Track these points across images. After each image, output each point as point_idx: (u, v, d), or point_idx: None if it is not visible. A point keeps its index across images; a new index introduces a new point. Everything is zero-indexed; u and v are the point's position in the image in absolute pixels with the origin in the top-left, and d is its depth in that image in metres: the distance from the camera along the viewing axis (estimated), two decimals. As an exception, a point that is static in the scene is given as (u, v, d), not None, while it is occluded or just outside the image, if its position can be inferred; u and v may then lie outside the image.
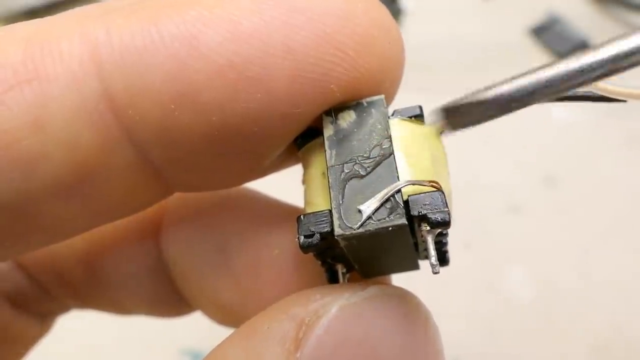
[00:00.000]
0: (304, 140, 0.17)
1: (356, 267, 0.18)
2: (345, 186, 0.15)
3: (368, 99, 0.16)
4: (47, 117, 0.14)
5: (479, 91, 0.13)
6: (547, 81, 0.12)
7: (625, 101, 0.15)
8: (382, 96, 0.16)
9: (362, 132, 0.16)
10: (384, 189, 0.14)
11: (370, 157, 0.15)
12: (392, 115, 0.16)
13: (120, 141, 0.14)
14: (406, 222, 0.14)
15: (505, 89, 0.13)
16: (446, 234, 0.16)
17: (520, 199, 0.48)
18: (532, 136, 0.52)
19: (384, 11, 0.16)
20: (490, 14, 0.63)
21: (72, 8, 0.15)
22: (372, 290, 0.15)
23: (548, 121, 0.53)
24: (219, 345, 0.15)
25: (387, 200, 0.14)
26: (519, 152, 0.51)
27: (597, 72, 0.12)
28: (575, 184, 0.49)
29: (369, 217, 0.14)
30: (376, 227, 0.14)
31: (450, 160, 0.17)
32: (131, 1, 0.15)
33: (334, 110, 0.16)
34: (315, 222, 0.15)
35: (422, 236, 0.15)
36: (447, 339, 0.16)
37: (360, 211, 0.14)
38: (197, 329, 0.35)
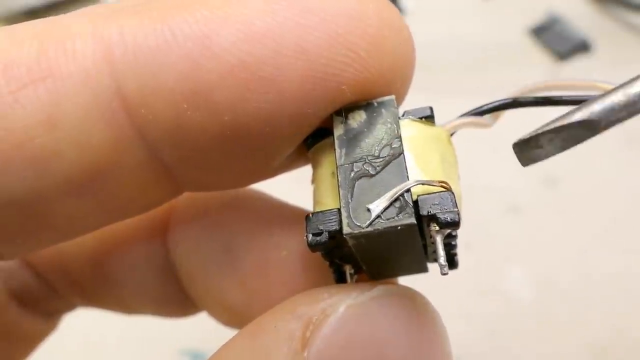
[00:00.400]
0: (313, 141, 0.17)
1: (364, 268, 0.18)
2: (354, 185, 0.15)
3: (379, 99, 0.16)
4: (60, 116, 0.14)
5: (559, 118, 0.13)
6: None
7: None
8: (393, 96, 0.16)
9: (372, 132, 0.16)
10: (394, 188, 0.14)
11: (380, 156, 0.15)
12: (403, 115, 0.16)
13: (133, 140, 0.14)
14: (415, 222, 0.14)
15: (595, 108, 0.12)
16: (455, 236, 0.16)
17: (520, 199, 0.48)
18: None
19: (395, 12, 0.16)
20: (490, 14, 0.63)
21: (73, 8, 0.15)
22: (379, 289, 0.15)
23: (548, 121, 0.53)
24: (225, 344, 0.15)
25: (397, 199, 0.14)
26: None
27: None
28: (575, 184, 0.49)
29: (378, 216, 0.14)
30: (385, 226, 0.14)
31: (451, 160, 0.17)
32: (142, 1, 0.15)
33: (345, 110, 0.16)
34: (324, 221, 0.15)
35: (431, 237, 0.15)
36: (448, 339, 0.16)
37: (369, 210, 0.14)
38: (197, 329, 0.35)
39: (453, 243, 0.17)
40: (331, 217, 0.15)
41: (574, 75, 0.53)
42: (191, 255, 0.22)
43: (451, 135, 0.17)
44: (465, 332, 0.40)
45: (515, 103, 0.16)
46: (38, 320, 0.24)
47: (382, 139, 0.15)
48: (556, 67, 0.57)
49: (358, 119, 0.16)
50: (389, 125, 0.16)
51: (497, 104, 0.16)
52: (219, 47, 0.14)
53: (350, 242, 0.15)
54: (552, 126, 0.12)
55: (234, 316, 0.22)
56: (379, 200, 0.14)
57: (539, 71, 0.57)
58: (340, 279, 0.18)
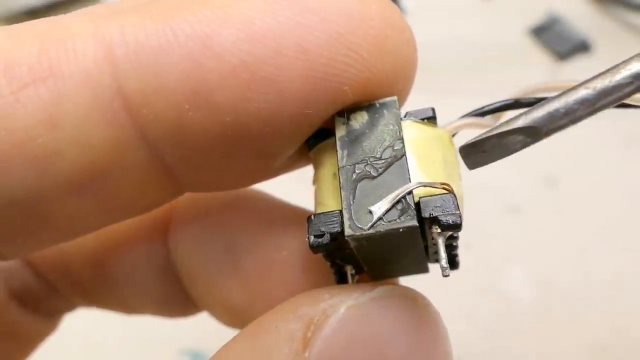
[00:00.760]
0: (315, 141, 0.17)
1: (365, 269, 0.18)
2: (356, 187, 0.15)
3: (381, 100, 0.16)
4: (61, 115, 0.14)
5: (502, 124, 0.13)
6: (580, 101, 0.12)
7: None
8: (395, 97, 0.16)
9: (374, 133, 0.16)
10: (396, 190, 0.14)
11: (382, 158, 0.15)
12: (405, 116, 0.16)
13: (134, 140, 0.14)
14: (417, 224, 0.14)
15: (538, 113, 0.12)
16: (457, 238, 0.16)
17: (520, 199, 0.48)
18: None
19: (397, 12, 0.16)
20: (490, 14, 0.63)
21: (73, 8, 0.15)
22: (380, 290, 0.15)
23: (548, 121, 0.53)
24: (226, 344, 0.15)
25: (399, 201, 0.14)
26: (519, 152, 0.51)
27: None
28: (575, 184, 0.49)
29: (380, 218, 0.14)
30: (387, 228, 0.14)
31: (451, 160, 0.17)
32: (143, 0, 0.15)
33: (347, 111, 0.16)
34: (326, 222, 0.15)
35: (432, 239, 0.15)
36: (448, 339, 0.16)
37: (371, 212, 0.14)
38: (197, 329, 0.35)
39: (454, 244, 0.17)
40: (333, 219, 0.15)
41: (574, 75, 0.53)
42: (192, 255, 0.22)
43: (453, 136, 0.17)
44: (465, 332, 0.40)
45: (516, 104, 0.16)
46: (39, 320, 0.24)
47: (384, 140, 0.15)
48: (556, 67, 0.57)
49: (360, 120, 0.16)
50: (391, 127, 0.15)
51: (498, 105, 0.16)
52: (220, 47, 0.14)
53: (352, 244, 0.15)
54: (495, 132, 0.12)
55: (236, 316, 0.22)
56: (381, 202, 0.14)
57: (539, 71, 0.57)
58: (342, 279, 0.18)
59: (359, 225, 0.14)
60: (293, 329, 0.15)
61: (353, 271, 0.18)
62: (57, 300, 0.24)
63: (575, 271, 0.44)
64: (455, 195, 0.14)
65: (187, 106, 0.14)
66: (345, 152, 0.16)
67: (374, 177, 0.15)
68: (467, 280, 0.43)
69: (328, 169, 0.16)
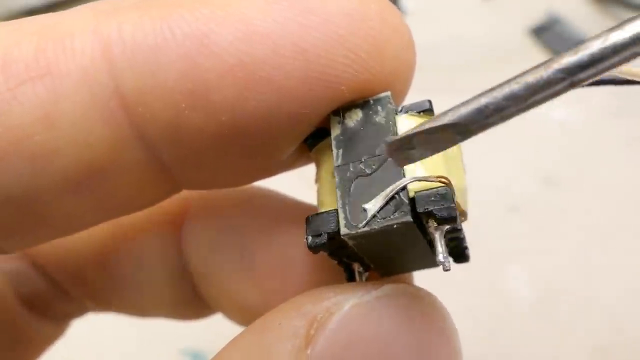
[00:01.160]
0: (314, 141, 0.17)
1: (372, 266, 0.18)
2: (351, 185, 0.15)
3: (374, 97, 0.16)
4: (58, 113, 0.14)
5: (430, 120, 0.12)
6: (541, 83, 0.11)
7: None
8: (389, 93, 0.16)
9: (369, 130, 0.15)
10: (390, 186, 0.14)
11: (377, 155, 0.15)
12: (401, 111, 0.16)
13: (131, 139, 0.14)
14: (411, 219, 0.14)
15: (465, 109, 0.11)
16: (460, 230, 0.16)
17: (520, 199, 0.48)
18: (532, 136, 0.52)
19: (396, 14, 0.16)
20: (490, 14, 0.63)
21: (72, 7, 0.15)
22: (385, 289, 0.15)
23: (548, 121, 0.53)
24: (232, 340, 0.16)
25: (392, 197, 0.14)
26: (519, 152, 0.51)
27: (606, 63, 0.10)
28: (575, 184, 0.49)
29: (374, 216, 0.14)
30: (381, 225, 0.14)
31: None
32: None
33: (342, 110, 0.16)
34: (323, 222, 0.15)
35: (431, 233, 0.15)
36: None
37: (365, 210, 0.14)
38: (198, 329, 0.35)
39: (461, 236, 0.16)
40: (330, 219, 0.15)
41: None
42: (206, 256, 0.22)
43: None
44: (465, 332, 0.40)
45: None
46: (47, 325, 0.24)
47: (379, 137, 0.15)
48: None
49: (355, 118, 0.16)
50: (385, 123, 0.15)
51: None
52: (218, 47, 0.14)
53: (350, 242, 0.15)
54: (423, 128, 0.12)
55: (251, 316, 0.22)
56: (375, 199, 0.14)
57: (539, 71, 0.57)
58: (352, 277, 0.18)
59: (354, 224, 0.14)
60: (296, 326, 0.15)
61: (361, 269, 0.18)
62: (67, 304, 0.24)
63: (575, 271, 0.44)
64: (451, 188, 0.14)
65: (183, 105, 0.14)
66: (341, 151, 0.15)
67: (368, 175, 0.15)
68: (467, 280, 0.43)
69: (327, 169, 0.16)
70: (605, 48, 0.10)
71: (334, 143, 0.16)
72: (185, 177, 0.17)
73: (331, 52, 0.14)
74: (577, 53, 0.10)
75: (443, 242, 0.14)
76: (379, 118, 0.15)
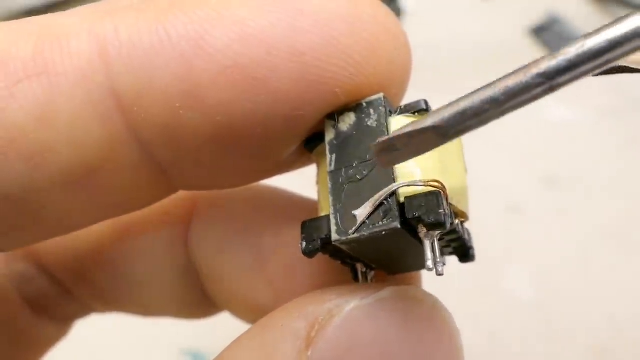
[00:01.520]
0: (315, 143, 0.16)
1: (374, 266, 0.17)
2: (343, 191, 0.15)
3: (367, 99, 0.16)
4: (54, 112, 0.14)
5: (412, 123, 0.12)
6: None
7: None
8: (381, 95, 0.15)
9: (361, 134, 0.15)
10: (380, 192, 0.14)
11: (368, 159, 0.15)
12: (396, 112, 0.16)
13: (126, 139, 0.15)
14: (399, 226, 0.14)
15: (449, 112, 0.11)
16: (460, 231, 0.16)
17: (520, 199, 0.48)
18: (532, 136, 0.52)
19: (391, 17, 0.16)
20: (490, 14, 0.63)
21: (72, 8, 0.15)
22: (387, 291, 0.15)
23: (548, 121, 0.53)
24: (237, 339, 0.16)
25: (381, 204, 0.14)
26: (519, 152, 0.52)
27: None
28: (575, 184, 0.49)
29: (364, 222, 0.14)
30: (370, 232, 0.14)
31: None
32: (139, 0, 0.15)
33: (337, 113, 0.16)
34: (317, 228, 0.15)
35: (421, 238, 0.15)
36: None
37: (355, 216, 0.14)
38: (198, 329, 0.35)
39: (464, 237, 0.16)
40: (323, 224, 0.15)
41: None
42: (214, 255, 0.21)
43: None
44: (465, 332, 0.40)
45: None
46: (51, 326, 0.24)
47: (371, 140, 0.15)
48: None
49: (348, 121, 0.16)
50: (377, 126, 0.15)
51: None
52: (213, 48, 0.14)
53: (344, 247, 0.15)
54: (405, 131, 0.12)
55: (260, 315, 0.22)
56: (365, 205, 0.14)
57: (539, 71, 0.57)
58: (357, 276, 0.18)
59: (344, 230, 0.14)
60: (298, 328, 0.15)
61: (364, 269, 0.18)
62: (71, 305, 0.24)
63: (576, 271, 0.44)
64: (441, 192, 0.14)
65: (178, 105, 0.14)
66: (334, 156, 0.15)
67: (359, 180, 0.15)
68: (467, 280, 0.43)
69: (324, 172, 0.16)
70: (583, 53, 0.10)
71: (327, 148, 0.16)
72: (182, 178, 0.17)
73: (325, 55, 0.14)
74: (556, 58, 0.11)
75: (436, 248, 0.14)
76: (371, 122, 0.15)
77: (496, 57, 0.58)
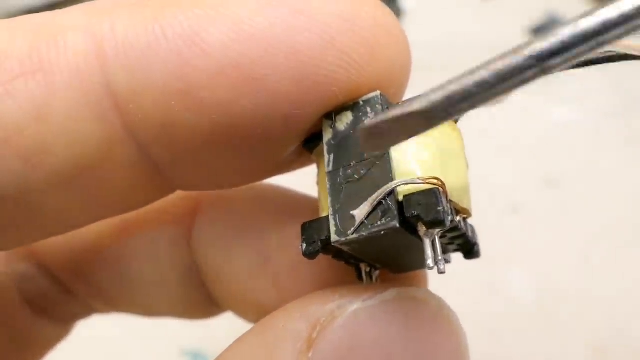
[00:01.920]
0: (314, 143, 0.16)
1: (378, 266, 0.17)
2: (341, 191, 0.15)
3: (364, 98, 0.15)
4: (50, 109, 0.14)
5: (399, 106, 0.12)
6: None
7: None
8: (377, 93, 0.15)
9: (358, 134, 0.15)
10: (378, 191, 0.14)
11: (365, 158, 0.15)
12: None
13: (122, 137, 0.14)
14: (397, 225, 0.13)
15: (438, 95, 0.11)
16: (462, 228, 0.15)
17: (520, 199, 0.48)
18: (533, 136, 0.52)
19: (391, 16, 0.16)
20: (490, 14, 0.63)
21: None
22: (391, 292, 0.15)
23: (548, 121, 0.53)
24: (237, 340, 0.16)
25: (380, 203, 0.14)
26: (519, 152, 0.51)
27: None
28: (576, 184, 0.49)
29: (362, 222, 0.14)
30: (369, 231, 0.14)
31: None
32: None
33: (334, 113, 0.16)
34: (316, 229, 0.15)
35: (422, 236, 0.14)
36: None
37: (354, 216, 0.14)
38: (198, 329, 0.35)
39: (467, 234, 0.16)
40: (323, 225, 0.15)
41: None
42: (218, 255, 0.21)
43: (455, 121, 0.16)
44: (466, 332, 0.40)
45: None
46: (52, 326, 0.24)
47: None
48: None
49: (345, 121, 0.15)
50: None
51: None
52: (210, 46, 0.14)
53: (344, 248, 0.15)
54: (391, 115, 0.12)
55: (265, 315, 0.22)
56: (363, 205, 0.14)
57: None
58: (362, 275, 0.18)
59: (343, 231, 0.14)
60: (299, 329, 0.15)
61: (368, 269, 0.17)
62: (72, 305, 0.24)
63: (576, 271, 0.44)
64: (441, 189, 0.14)
65: (174, 104, 0.14)
66: (332, 156, 0.15)
67: (357, 180, 0.14)
68: (467, 281, 0.43)
69: (324, 172, 0.16)
70: (576, 34, 0.10)
71: (325, 148, 0.15)
72: (179, 178, 0.16)
73: (322, 54, 0.14)
74: (548, 39, 0.10)
75: (437, 246, 0.14)
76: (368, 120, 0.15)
77: (496, 57, 0.58)
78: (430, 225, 0.14)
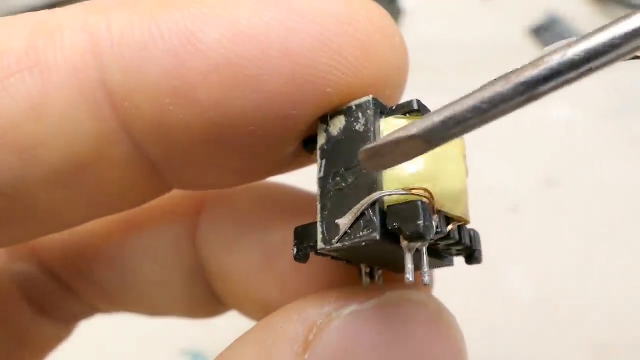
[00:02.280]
0: (314, 145, 0.16)
1: (376, 268, 0.17)
2: (330, 198, 0.15)
3: (356, 102, 0.15)
4: (46, 105, 0.14)
5: (399, 130, 0.12)
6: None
7: None
8: (369, 97, 0.15)
9: (349, 139, 0.15)
10: (362, 201, 0.14)
11: (354, 166, 0.14)
12: (387, 113, 0.15)
13: (118, 133, 0.15)
14: (378, 237, 0.13)
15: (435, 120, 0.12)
16: (453, 237, 0.15)
17: (520, 199, 0.48)
18: (533, 136, 0.52)
19: (387, 18, 0.16)
20: (490, 14, 0.63)
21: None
22: (389, 296, 0.15)
23: (548, 121, 0.53)
24: (237, 340, 0.16)
25: (363, 213, 0.14)
26: (519, 152, 0.51)
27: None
28: (575, 184, 0.49)
29: (346, 232, 0.14)
30: (352, 242, 0.14)
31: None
32: None
33: (330, 116, 0.15)
34: (306, 235, 0.15)
35: (403, 248, 0.14)
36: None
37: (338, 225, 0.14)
38: (198, 329, 0.35)
39: (466, 241, 0.16)
40: (312, 231, 0.15)
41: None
42: (223, 253, 0.21)
43: None
44: (465, 332, 0.40)
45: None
46: (54, 326, 0.24)
47: (358, 145, 0.14)
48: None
49: (338, 125, 0.15)
50: (364, 131, 0.15)
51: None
52: (205, 45, 0.14)
53: (333, 254, 0.15)
54: (392, 139, 0.12)
55: (270, 314, 0.22)
56: (347, 214, 0.14)
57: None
58: (369, 275, 0.18)
59: (329, 239, 0.14)
60: (296, 331, 0.15)
61: (368, 270, 0.17)
62: (75, 305, 0.24)
63: (576, 271, 0.44)
64: (425, 201, 0.14)
65: (168, 101, 0.14)
66: (324, 162, 0.15)
67: (344, 188, 0.14)
68: (467, 280, 0.43)
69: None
70: (564, 63, 0.11)
71: (319, 153, 0.15)
72: (175, 176, 0.17)
73: (318, 55, 0.14)
74: (538, 67, 0.11)
75: (424, 256, 0.14)
76: (359, 126, 0.15)
77: (496, 57, 0.58)
78: (411, 239, 0.13)
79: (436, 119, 0.12)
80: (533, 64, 0.11)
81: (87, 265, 0.23)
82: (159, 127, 0.14)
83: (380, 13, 0.15)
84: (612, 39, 0.10)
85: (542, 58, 0.11)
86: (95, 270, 0.23)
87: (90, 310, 0.24)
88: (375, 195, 0.14)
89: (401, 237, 0.14)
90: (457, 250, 0.17)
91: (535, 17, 0.61)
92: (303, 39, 0.14)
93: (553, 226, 0.47)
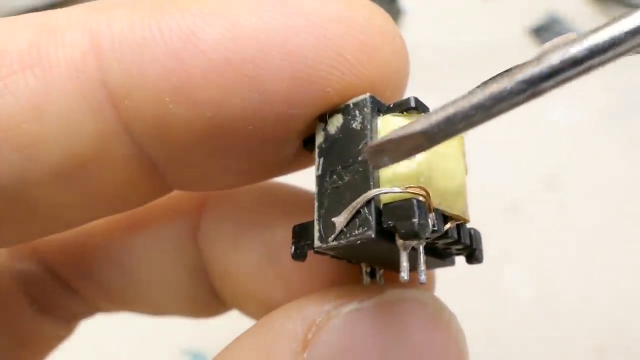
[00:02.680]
0: (314, 144, 0.16)
1: (377, 267, 0.17)
2: (327, 196, 0.14)
3: (353, 100, 0.15)
4: (47, 104, 0.14)
5: (402, 127, 0.13)
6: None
7: None
8: (366, 95, 0.15)
9: (347, 137, 0.15)
10: (357, 199, 0.14)
11: (350, 164, 0.14)
12: (385, 110, 0.15)
13: (118, 133, 0.15)
14: (373, 236, 0.13)
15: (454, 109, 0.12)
16: (448, 236, 0.15)
17: (520, 199, 0.48)
18: (532, 136, 0.52)
19: (387, 19, 0.16)
20: (490, 14, 0.63)
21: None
22: (389, 294, 0.15)
23: (548, 121, 0.53)
24: (236, 339, 0.16)
25: (358, 211, 0.14)
26: (519, 152, 0.52)
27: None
28: (575, 184, 0.49)
29: (341, 230, 0.14)
30: (347, 240, 0.14)
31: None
32: None
33: (328, 115, 0.15)
34: (304, 233, 0.15)
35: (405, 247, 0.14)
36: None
37: (334, 224, 0.14)
38: (198, 329, 0.35)
39: (465, 240, 0.16)
40: (309, 230, 0.15)
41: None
42: (226, 252, 0.21)
43: None
44: (465, 332, 0.40)
45: None
46: (55, 325, 0.24)
47: (356, 143, 0.14)
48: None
49: (336, 123, 0.15)
50: (361, 129, 0.15)
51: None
52: (204, 44, 0.14)
53: (330, 253, 0.15)
54: (394, 136, 0.12)
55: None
56: (343, 212, 0.14)
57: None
58: (371, 274, 0.18)
59: (325, 237, 0.14)
60: (295, 329, 0.15)
61: (368, 268, 0.17)
62: (76, 304, 0.24)
63: (575, 271, 0.44)
64: (421, 199, 0.13)
65: (167, 100, 0.14)
66: (322, 160, 0.15)
67: (341, 185, 0.14)
68: (467, 280, 0.43)
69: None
70: (565, 60, 0.11)
71: (316, 151, 0.15)
72: (174, 176, 0.17)
73: (317, 55, 0.14)
74: (539, 65, 0.11)
75: (421, 254, 0.14)
76: (356, 124, 0.15)
77: (496, 57, 0.58)
78: (405, 237, 0.13)
79: (439, 116, 0.12)
80: (535, 60, 0.11)
81: (88, 264, 0.23)
82: (159, 127, 0.15)
83: (380, 13, 0.16)
84: (613, 37, 0.10)
85: (544, 54, 0.11)
86: (96, 269, 0.23)
87: (91, 310, 0.24)
88: (371, 194, 0.14)
89: (396, 235, 0.14)
90: (457, 249, 0.17)
91: (535, 17, 0.61)
92: (303, 39, 0.14)
93: (552, 226, 0.47)
